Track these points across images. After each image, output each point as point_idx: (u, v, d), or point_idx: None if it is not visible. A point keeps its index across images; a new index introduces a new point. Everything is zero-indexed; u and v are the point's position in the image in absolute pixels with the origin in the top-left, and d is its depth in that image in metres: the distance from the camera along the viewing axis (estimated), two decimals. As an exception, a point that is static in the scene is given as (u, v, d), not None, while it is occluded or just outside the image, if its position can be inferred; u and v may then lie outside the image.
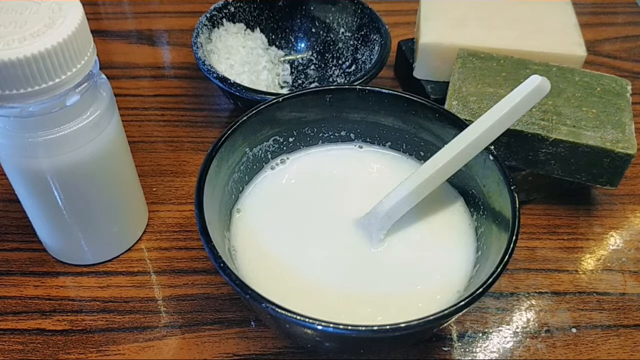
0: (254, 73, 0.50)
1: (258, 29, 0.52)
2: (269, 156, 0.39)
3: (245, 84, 0.46)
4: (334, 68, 0.52)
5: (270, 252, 0.35)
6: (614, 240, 0.43)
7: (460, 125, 0.35)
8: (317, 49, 0.53)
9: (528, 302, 0.39)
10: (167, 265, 0.40)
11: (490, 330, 0.37)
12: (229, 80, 0.43)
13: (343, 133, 0.40)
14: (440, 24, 0.48)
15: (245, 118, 0.35)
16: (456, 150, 0.33)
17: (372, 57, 0.48)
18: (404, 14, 0.61)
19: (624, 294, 0.39)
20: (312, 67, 0.53)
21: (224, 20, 0.50)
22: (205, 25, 0.48)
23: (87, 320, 0.37)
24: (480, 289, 0.28)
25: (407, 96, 0.37)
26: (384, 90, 0.37)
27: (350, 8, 0.51)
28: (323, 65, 0.53)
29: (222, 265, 0.29)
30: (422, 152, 0.39)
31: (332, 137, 0.40)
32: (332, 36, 0.53)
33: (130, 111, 0.50)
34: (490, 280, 0.29)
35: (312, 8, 0.52)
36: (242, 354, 0.36)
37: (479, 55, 0.44)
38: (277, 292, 0.30)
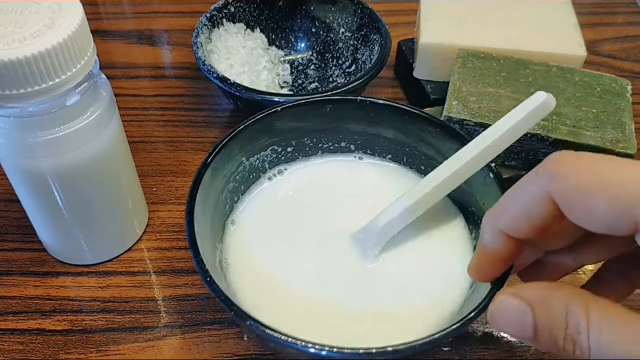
0: (254, 73, 0.50)
1: (258, 29, 0.52)
2: (267, 166, 0.38)
3: (245, 84, 0.46)
4: (334, 68, 0.52)
5: (263, 267, 0.34)
6: (614, 240, 0.43)
7: (461, 140, 0.34)
8: (317, 49, 0.53)
9: (528, 302, 0.39)
10: (167, 265, 0.40)
11: (491, 330, 0.37)
12: (229, 80, 0.43)
13: (343, 144, 0.39)
14: (440, 24, 0.48)
15: (242, 127, 0.35)
16: (455, 167, 0.32)
17: (372, 57, 0.48)
18: (404, 14, 0.61)
19: (624, 294, 0.39)
20: (312, 67, 0.53)
21: (224, 20, 0.50)
22: (205, 25, 0.48)
23: (87, 320, 0.37)
24: (472, 314, 0.27)
25: (408, 108, 0.36)
26: (384, 102, 0.37)
27: (350, 8, 0.51)
28: (323, 65, 0.53)
29: (208, 279, 0.28)
30: (422, 166, 0.38)
31: (331, 147, 0.39)
32: (332, 36, 0.53)
33: (130, 111, 0.50)
34: (486, 302, 0.27)
35: (312, 8, 0.52)
36: (242, 354, 0.36)
37: (479, 55, 0.44)
38: (269, 308, 0.29)
